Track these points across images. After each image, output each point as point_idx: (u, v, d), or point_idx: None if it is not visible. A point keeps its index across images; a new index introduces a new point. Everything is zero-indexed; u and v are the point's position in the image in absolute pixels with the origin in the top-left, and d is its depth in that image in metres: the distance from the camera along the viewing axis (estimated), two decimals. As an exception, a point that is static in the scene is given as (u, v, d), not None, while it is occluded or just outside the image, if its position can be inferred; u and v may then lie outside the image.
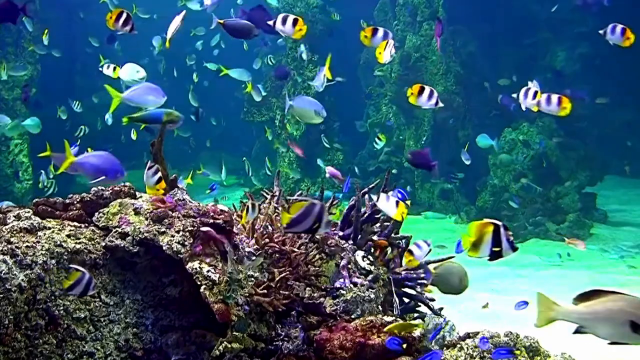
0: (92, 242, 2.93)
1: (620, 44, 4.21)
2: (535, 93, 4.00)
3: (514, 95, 4.11)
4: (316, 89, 5.18)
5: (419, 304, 3.70)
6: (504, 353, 2.80)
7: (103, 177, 2.99)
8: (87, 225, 3.04)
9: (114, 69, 6.22)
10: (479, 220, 2.55)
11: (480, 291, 7.18)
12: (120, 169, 3.10)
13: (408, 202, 3.65)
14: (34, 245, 2.70)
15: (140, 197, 3.17)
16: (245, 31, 4.02)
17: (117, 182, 3.16)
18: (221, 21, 4.01)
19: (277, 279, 2.94)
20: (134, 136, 9.54)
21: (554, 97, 4.04)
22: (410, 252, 3.32)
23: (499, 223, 2.50)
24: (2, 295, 2.44)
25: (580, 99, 10.13)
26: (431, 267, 3.47)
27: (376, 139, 9.55)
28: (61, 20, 12.75)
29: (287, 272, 3.00)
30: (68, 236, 2.87)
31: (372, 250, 3.68)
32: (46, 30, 8.95)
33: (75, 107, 9.97)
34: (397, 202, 3.33)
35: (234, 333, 2.74)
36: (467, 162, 8.99)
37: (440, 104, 3.98)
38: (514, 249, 2.50)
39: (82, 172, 3.05)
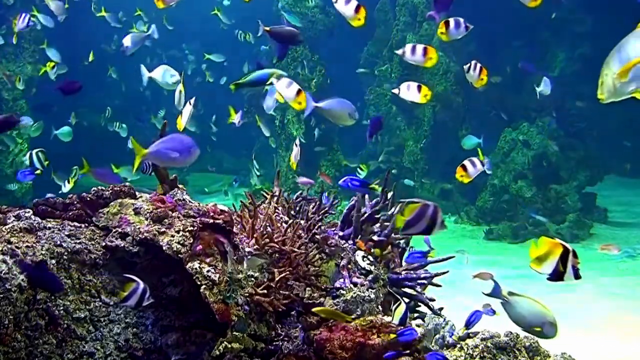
0: (92, 242, 2.93)
1: (526, 3, 4.19)
2: (424, 49, 4.05)
3: (399, 52, 4.16)
4: (266, 110, 5.30)
5: (419, 304, 3.70)
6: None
7: (177, 156, 2.94)
8: (87, 225, 3.03)
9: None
10: (551, 238, 2.57)
11: (480, 293, 7.17)
12: (193, 145, 3.05)
13: (375, 186, 3.63)
14: (34, 245, 2.70)
15: (140, 197, 3.17)
16: (291, 37, 4.10)
17: (194, 160, 3.09)
18: (267, 28, 4.07)
19: (277, 279, 2.94)
20: (131, 145, 9.46)
21: (419, 47, 4.05)
22: (464, 168, 3.28)
23: (570, 248, 2.51)
24: (2, 295, 2.44)
25: (529, 73, 10.17)
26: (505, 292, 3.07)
27: (358, 169, 9.52)
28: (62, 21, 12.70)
29: (287, 272, 3.00)
30: (68, 236, 2.87)
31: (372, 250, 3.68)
32: (52, 64, 8.92)
33: (116, 127, 10.14)
34: (299, 90, 3.29)
35: (234, 333, 2.74)
36: (489, 172, 8.89)
37: None
38: (577, 278, 2.51)
39: (158, 160, 3.00)
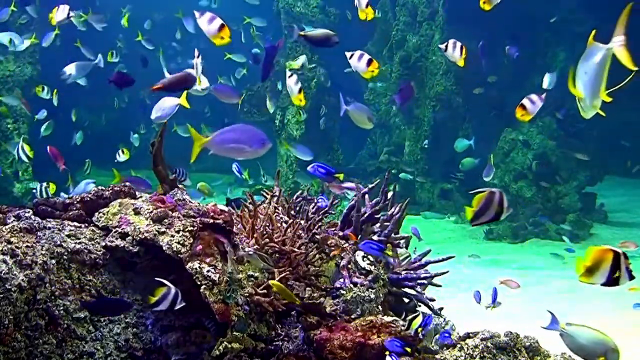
0: (92, 242, 2.93)
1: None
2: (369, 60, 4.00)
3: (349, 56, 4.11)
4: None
5: (419, 303, 3.70)
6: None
7: (244, 147, 2.85)
8: (87, 225, 3.04)
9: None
10: (597, 246, 2.57)
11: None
12: (265, 137, 2.94)
13: (339, 176, 3.65)
14: (34, 245, 2.70)
15: (140, 197, 3.17)
16: (326, 40, 4.20)
17: (263, 153, 2.97)
18: (302, 33, 4.13)
19: (277, 279, 2.94)
20: (124, 155, 9.43)
21: (365, 57, 4.01)
22: (523, 107, 3.28)
23: (619, 251, 2.52)
24: (2, 295, 2.44)
25: (511, 55, 10.20)
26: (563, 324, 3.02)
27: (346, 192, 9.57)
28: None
29: (287, 272, 3.00)
30: (68, 236, 2.87)
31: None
32: (55, 90, 9.03)
33: (137, 137, 10.31)
34: (222, 25, 3.29)
35: (234, 333, 2.74)
36: (487, 179, 8.96)
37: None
38: (631, 278, 2.52)
39: (222, 150, 2.88)
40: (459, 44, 4.21)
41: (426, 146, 11.27)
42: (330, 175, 3.56)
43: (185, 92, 3.94)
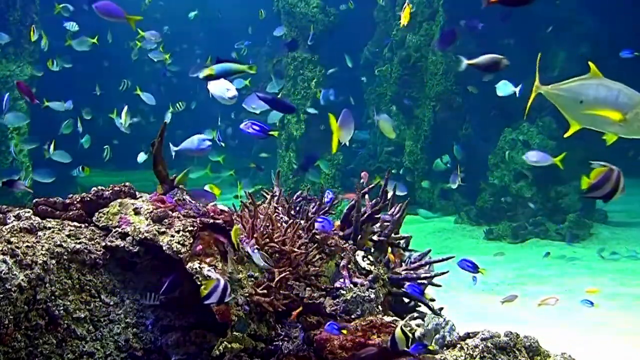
0: (92, 242, 2.92)
1: None
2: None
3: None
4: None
5: (419, 304, 3.70)
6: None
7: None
8: (87, 225, 3.03)
9: None
10: None
11: (480, 292, 7.19)
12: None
13: (275, 132, 3.64)
14: (34, 245, 2.70)
15: (140, 197, 3.17)
16: (496, 64, 4.22)
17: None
18: (471, 62, 4.18)
19: (277, 279, 2.94)
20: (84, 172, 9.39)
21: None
22: None
23: None
24: (2, 295, 2.44)
25: (473, 28, 10.22)
26: None
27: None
28: (61, 21, 12.69)
29: (287, 272, 3.00)
30: (68, 236, 2.87)
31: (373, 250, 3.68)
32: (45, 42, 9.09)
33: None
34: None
35: (234, 333, 2.74)
36: (453, 186, 9.10)
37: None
38: None
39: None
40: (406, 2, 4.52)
41: (449, 165, 11.16)
42: (265, 132, 3.47)
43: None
